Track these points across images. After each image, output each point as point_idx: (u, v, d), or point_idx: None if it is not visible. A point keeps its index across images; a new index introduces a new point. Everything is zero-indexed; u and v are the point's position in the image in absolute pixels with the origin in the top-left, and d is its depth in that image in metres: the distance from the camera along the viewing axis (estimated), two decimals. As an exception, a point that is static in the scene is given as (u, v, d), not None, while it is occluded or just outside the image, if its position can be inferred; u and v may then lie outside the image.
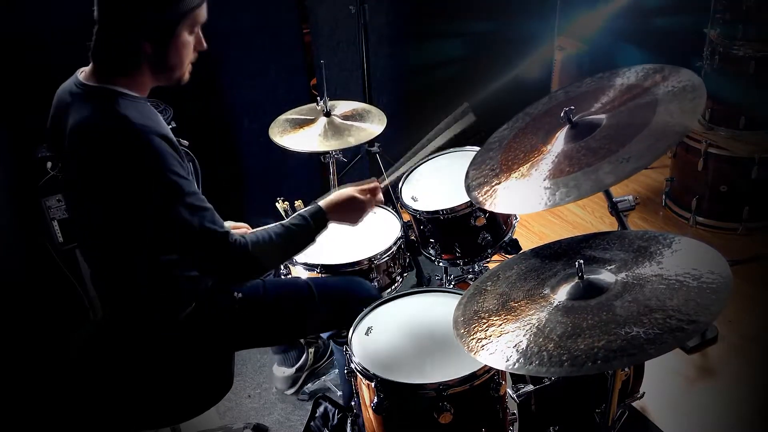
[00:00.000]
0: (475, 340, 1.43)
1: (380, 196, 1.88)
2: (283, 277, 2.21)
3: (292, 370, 2.51)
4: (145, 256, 1.66)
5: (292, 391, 2.53)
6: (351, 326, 1.79)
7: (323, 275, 2.10)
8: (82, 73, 1.63)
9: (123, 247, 1.65)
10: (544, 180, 1.70)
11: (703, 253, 1.42)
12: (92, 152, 1.55)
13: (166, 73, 1.62)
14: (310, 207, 1.80)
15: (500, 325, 1.43)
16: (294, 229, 1.74)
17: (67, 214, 2.53)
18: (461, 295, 1.67)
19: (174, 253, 1.69)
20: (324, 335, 2.45)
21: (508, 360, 1.33)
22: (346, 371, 1.76)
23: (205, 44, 1.65)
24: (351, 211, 1.84)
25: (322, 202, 1.81)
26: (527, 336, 1.36)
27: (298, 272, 2.14)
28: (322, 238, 2.22)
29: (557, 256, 1.60)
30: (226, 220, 2.13)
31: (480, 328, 1.46)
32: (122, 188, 1.54)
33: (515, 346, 1.35)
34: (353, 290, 2.00)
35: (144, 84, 1.63)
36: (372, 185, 1.87)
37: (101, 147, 1.53)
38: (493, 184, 1.83)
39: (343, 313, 1.87)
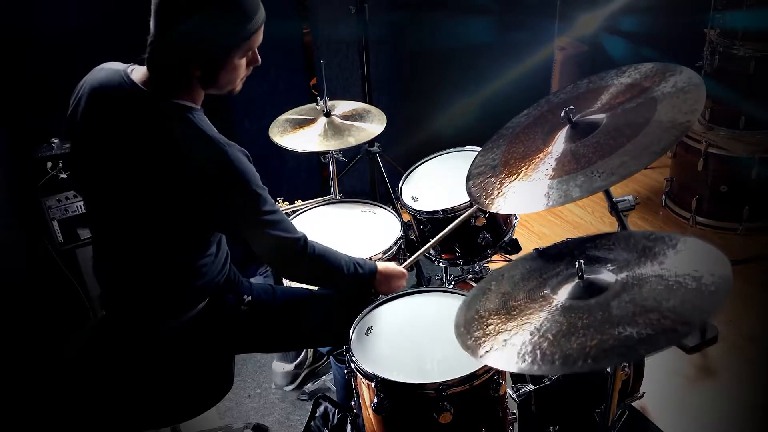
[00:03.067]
0: (472, 339, 1.43)
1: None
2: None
3: (292, 366, 2.51)
4: (168, 256, 1.68)
5: (290, 387, 2.53)
6: (348, 343, 1.78)
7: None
8: (138, 76, 1.58)
9: (154, 247, 1.67)
10: (540, 180, 1.69)
11: (707, 255, 1.41)
12: (177, 164, 1.55)
13: (217, 89, 1.63)
14: (369, 263, 1.89)
15: (498, 323, 1.44)
16: (352, 268, 1.83)
17: (68, 212, 2.53)
18: (461, 295, 1.67)
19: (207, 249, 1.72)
20: (323, 350, 2.46)
21: (502, 358, 1.33)
22: (346, 371, 1.76)
23: (260, 59, 1.64)
24: (394, 284, 1.93)
25: (381, 265, 1.91)
26: (523, 335, 1.36)
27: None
28: (322, 238, 2.23)
29: (562, 256, 1.60)
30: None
31: (479, 326, 1.46)
32: (198, 198, 1.56)
33: (511, 344, 1.35)
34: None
35: (200, 96, 1.64)
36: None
37: (189, 161, 1.54)
38: (488, 175, 1.82)
39: (344, 330, 1.83)
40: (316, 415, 2.28)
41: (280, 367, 2.52)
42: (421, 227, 2.31)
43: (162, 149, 1.56)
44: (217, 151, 1.55)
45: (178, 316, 1.74)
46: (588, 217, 3.45)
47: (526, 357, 1.30)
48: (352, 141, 2.37)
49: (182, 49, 1.50)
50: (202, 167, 1.54)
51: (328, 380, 2.52)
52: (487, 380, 1.63)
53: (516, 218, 2.35)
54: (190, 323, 1.75)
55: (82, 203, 2.55)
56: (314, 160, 3.28)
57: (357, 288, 1.88)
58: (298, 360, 2.52)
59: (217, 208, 1.60)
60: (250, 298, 1.85)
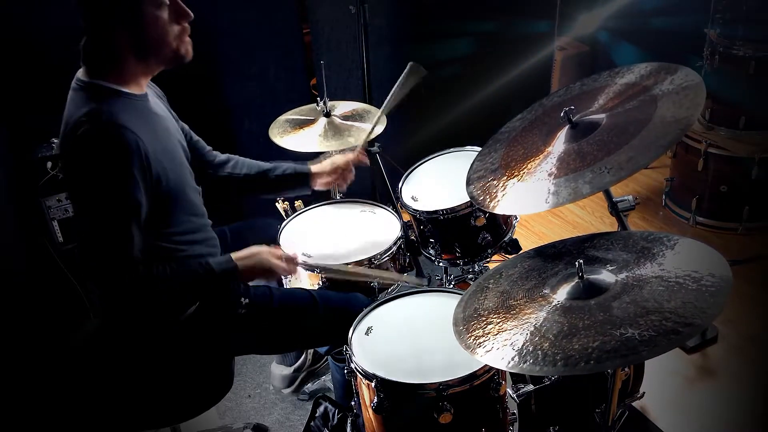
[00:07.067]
0: (472, 338, 1.43)
1: (295, 267, 1.77)
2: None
3: (290, 369, 2.51)
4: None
5: (288, 390, 2.53)
6: (348, 343, 1.77)
7: (325, 284, 2.10)
8: (82, 71, 1.63)
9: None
10: (541, 180, 1.69)
11: (705, 255, 1.41)
12: (70, 147, 1.55)
13: (153, 55, 1.59)
14: (221, 257, 1.73)
15: (498, 323, 1.43)
16: (197, 273, 1.67)
17: (68, 211, 2.54)
18: (461, 294, 1.67)
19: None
20: (321, 350, 2.45)
21: (503, 358, 1.33)
22: (346, 371, 1.76)
23: (189, 12, 1.59)
24: (260, 272, 1.76)
25: (235, 255, 1.73)
26: (524, 335, 1.36)
27: (299, 273, 2.14)
28: (321, 239, 2.23)
29: (560, 256, 1.60)
30: (224, 221, 2.14)
31: (479, 326, 1.46)
32: (90, 186, 1.52)
33: (512, 344, 1.35)
34: (354, 306, 1.96)
35: (135, 76, 1.61)
36: (291, 254, 1.77)
37: (75, 142, 1.52)
38: (489, 179, 1.83)
39: (343, 329, 1.82)
40: (316, 415, 2.28)
41: (279, 369, 2.52)
42: (421, 227, 2.31)
43: (64, 135, 1.56)
44: (101, 131, 1.49)
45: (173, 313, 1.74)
46: (588, 217, 3.45)
47: (528, 357, 1.30)
48: (352, 141, 2.37)
49: (97, 15, 1.52)
50: (85, 147, 1.50)
51: (327, 380, 2.52)
52: (487, 380, 1.63)
53: (516, 218, 2.35)
54: (188, 325, 1.75)
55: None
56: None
57: (220, 283, 1.71)
58: (297, 364, 2.52)
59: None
60: (247, 300, 1.85)
